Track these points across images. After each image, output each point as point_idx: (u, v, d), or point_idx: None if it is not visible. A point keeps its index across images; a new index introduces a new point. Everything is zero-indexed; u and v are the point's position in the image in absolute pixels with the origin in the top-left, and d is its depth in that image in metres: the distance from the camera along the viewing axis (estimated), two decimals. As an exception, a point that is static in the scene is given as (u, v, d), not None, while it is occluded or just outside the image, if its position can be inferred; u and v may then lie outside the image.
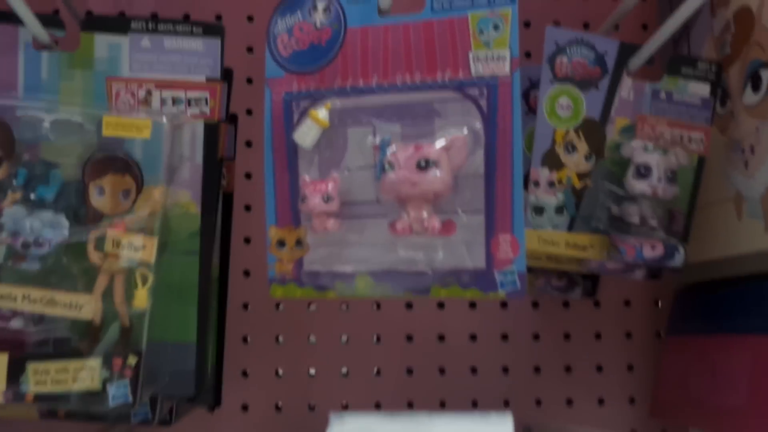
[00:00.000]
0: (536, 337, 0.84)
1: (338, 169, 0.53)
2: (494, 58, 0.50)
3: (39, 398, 0.52)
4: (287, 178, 0.54)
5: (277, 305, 0.82)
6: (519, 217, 0.50)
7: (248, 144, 0.81)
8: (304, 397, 0.82)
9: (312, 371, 0.82)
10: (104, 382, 0.53)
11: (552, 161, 0.62)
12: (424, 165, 0.49)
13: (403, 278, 0.51)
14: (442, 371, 0.82)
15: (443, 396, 0.82)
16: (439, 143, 0.50)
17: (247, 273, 0.81)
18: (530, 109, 0.70)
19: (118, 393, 0.53)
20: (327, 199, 0.52)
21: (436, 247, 0.51)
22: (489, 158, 0.50)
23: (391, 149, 0.50)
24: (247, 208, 0.81)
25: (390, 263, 0.52)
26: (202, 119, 0.58)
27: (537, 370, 0.83)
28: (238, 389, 0.81)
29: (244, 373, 0.82)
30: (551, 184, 0.62)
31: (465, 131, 0.51)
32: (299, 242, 0.54)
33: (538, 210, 0.62)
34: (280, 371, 0.82)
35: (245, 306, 0.81)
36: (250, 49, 0.81)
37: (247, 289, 0.81)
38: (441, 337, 0.83)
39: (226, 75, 0.66)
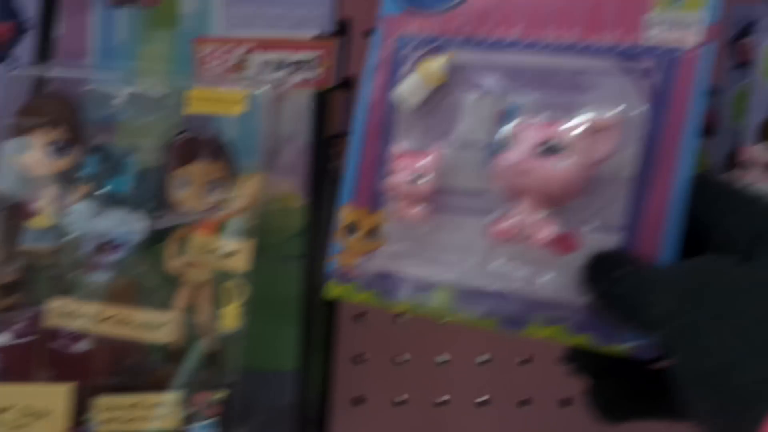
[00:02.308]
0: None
1: (444, 142, 0.48)
2: (681, 24, 0.43)
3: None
4: (378, 147, 0.49)
5: (397, 315, 0.78)
6: (673, 240, 0.42)
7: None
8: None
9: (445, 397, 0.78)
10: (185, 422, 0.51)
11: (773, 135, 0.55)
12: (548, 149, 0.42)
13: (492, 300, 0.45)
14: None
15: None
16: (580, 125, 0.43)
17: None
18: (740, 61, 0.63)
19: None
20: (418, 177, 0.46)
21: (546, 267, 0.45)
22: (647, 156, 0.43)
23: (516, 122, 0.44)
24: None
25: (480, 277, 0.46)
26: (310, 87, 0.54)
27: None
28: (351, 420, 0.78)
29: (359, 401, 0.79)
30: (771, 166, 0.55)
31: (615, 114, 0.43)
32: (374, 231, 0.49)
33: (751, 201, 0.56)
34: (402, 397, 0.79)
35: (360, 316, 0.78)
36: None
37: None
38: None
39: (342, 29, 0.62)
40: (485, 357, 0.79)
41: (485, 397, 0.79)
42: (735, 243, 0.40)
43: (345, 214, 0.50)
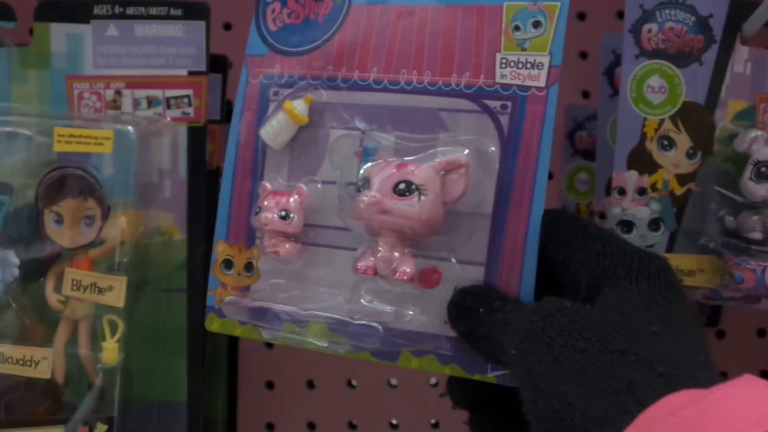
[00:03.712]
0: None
1: (310, 180, 0.49)
2: (528, 65, 0.44)
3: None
4: (249, 185, 0.50)
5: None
6: (530, 276, 0.43)
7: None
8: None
9: (356, 420, 0.79)
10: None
11: (642, 161, 0.56)
12: (403, 189, 0.43)
13: (362, 333, 0.46)
14: None
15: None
16: (432, 165, 0.44)
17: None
18: (615, 90, 0.64)
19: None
20: (285, 215, 0.47)
21: (409, 301, 0.46)
22: (501, 193, 0.44)
23: (372, 163, 0.45)
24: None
25: (350, 311, 0.47)
26: (185, 123, 0.55)
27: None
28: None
29: (270, 426, 0.79)
30: (642, 191, 0.57)
31: (466, 153, 0.45)
32: (249, 266, 0.50)
33: (626, 225, 0.57)
34: (316, 422, 0.79)
35: (269, 344, 0.79)
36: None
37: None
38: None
39: (220, 63, 0.63)
40: (395, 381, 0.80)
41: (395, 421, 0.80)
42: (580, 281, 0.41)
43: (220, 249, 0.51)
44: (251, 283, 0.50)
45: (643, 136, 0.56)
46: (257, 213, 0.48)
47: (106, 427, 0.52)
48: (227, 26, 0.77)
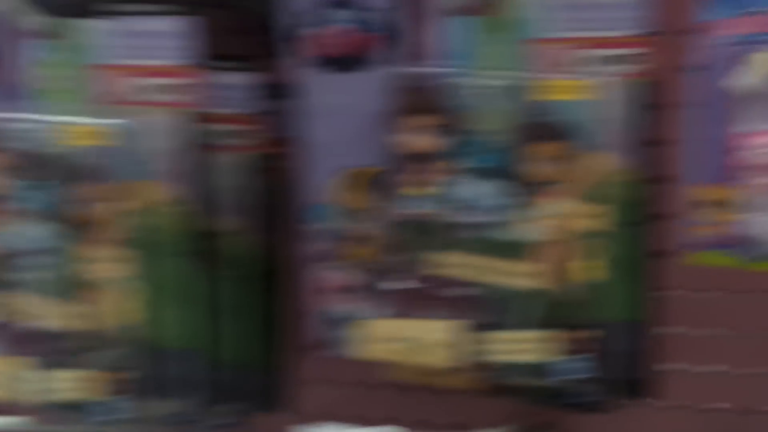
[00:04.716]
0: None
1: None
2: None
3: (499, 368, 0.64)
4: (717, 131, 0.56)
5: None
6: None
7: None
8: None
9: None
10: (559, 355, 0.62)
11: None
12: None
13: None
14: None
15: None
16: None
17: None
18: None
19: (571, 368, 0.62)
20: None
21: None
22: None
23: None
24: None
25: None
26: (635, 79, 0.63)
27: None
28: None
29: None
30: None
31: None
32: (727, 204, 0.56)
33: None
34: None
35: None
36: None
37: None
38: None
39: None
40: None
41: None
42: None
43: (697, 191, 0.57)
44: (732, 219, 0.56)
45: None
46: (740, 153, 0.55)
47: (593, 333, 0.62)
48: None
